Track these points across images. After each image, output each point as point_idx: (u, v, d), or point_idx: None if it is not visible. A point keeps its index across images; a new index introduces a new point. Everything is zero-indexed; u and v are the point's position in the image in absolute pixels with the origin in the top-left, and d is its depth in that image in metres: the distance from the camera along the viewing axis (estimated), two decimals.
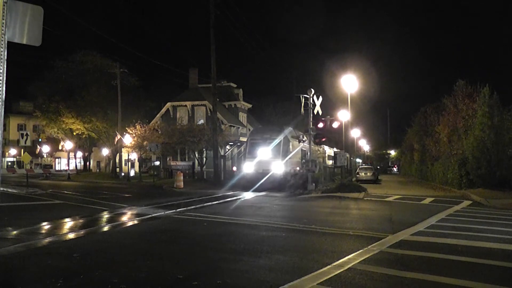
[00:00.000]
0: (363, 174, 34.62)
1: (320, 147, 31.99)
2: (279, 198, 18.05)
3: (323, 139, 22.98)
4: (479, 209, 14.07)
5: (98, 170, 57.62)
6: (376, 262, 6.12)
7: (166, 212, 12.22)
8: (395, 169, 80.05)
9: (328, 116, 22.24)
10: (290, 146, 24.19)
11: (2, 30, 4.24)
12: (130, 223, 10.46)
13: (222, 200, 16.66)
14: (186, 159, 36.13)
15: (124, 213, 12.36)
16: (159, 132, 34.19)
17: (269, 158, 23.30)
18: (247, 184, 22.65)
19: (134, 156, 41.28)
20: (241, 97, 45.58)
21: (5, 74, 4.25)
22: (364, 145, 77.26)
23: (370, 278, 5.25)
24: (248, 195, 19.27)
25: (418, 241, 7.92)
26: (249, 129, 41.30)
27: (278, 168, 22.75)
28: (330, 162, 37.53)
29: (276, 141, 23.74)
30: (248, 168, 23.71)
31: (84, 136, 44.39)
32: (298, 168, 24.28)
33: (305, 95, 20.72)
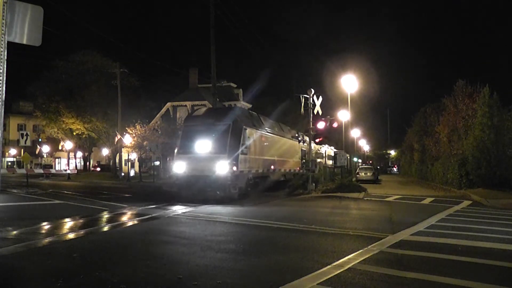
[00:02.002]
0: (363, 174, 34.63)
1: (320, 147, 31.86)
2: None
3: (323, 139, 23.02)
4: (479, 209, 14.08)
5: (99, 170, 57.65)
6: (376, 262, 6.12)
7: (165, 212, 12.23)
8: (395, 169, 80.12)
9: (328, 116, 22.23)
10: (244, 136, 16.56)
11: (2, 30, 4.24)
12: (130, 223, 10.45)
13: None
14: None
15: (124, 213, 12.36)
16: (159, 132, 34.20)
17: (210, 154, 15.93)
18: (177, 192, 16.38)
19: (134, 156, 41.31)
20: (241, 97, 45.60)
21: (5, 74, 4.25)
22: (364, 145, 77.27)
23: (370, 278, 5.25)
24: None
25: (418, 241, 7.92)
26: None
27: (222, 168, 15.39)
28: (330, 162, 37.53)
29: (221, 128, 16.37)
30: (179, 168, 16.33)
31: (84, 136, 44.42)
32: (261, 170, 18.64)
33: (305, 95, 20.71)
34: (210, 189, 15.32)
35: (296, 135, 24.21)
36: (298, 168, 25.24)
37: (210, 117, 17.45)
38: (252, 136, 17.62)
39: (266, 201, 16.09)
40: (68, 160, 54.55)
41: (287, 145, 23.77)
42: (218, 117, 17.18)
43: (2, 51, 4.22)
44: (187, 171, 16.08)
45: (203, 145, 16.19)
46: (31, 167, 47.84)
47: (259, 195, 17.92)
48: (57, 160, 61.32)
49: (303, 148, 26.08)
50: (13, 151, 53.63)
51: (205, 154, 16.00)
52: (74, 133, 43.56)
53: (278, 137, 22.25)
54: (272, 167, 20.53)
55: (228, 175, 15.37)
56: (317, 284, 5.01)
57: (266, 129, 20.09)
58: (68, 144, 45.48)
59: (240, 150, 16.02)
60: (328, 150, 40.02)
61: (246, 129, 16.87)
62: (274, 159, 21.08)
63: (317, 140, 21.66)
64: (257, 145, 18.35)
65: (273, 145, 21.13)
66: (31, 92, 44.49)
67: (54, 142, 50.96)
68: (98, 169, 55.89)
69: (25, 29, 4.51)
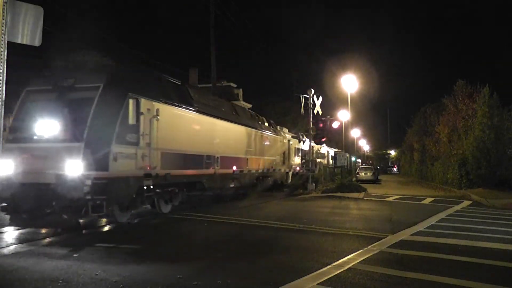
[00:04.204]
0: (363, 174, 34.64)
1: (320, 147, 31.71)
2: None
3: (323, 139, 23.00)
4: (479, 209, 14.08)
5: None
6: (376, 262, 6.12)
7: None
8: (395, 169, 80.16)
9: (328, 116, 22.26)
10: (131, 111, 9.46)
11: (2, 30, 4.25)
12: (130, 223, 10.43)
13: None
14: None
15: None
16: None
17: (53, 143, 8.79)
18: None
19: None
20: (241, 97, 45.56)
21: (5, 74, 4.25)
22: (364, 145, 77.33)
23: (370, 278, 5.25)
24: None
25: (418, 241, 7.92)
26: None
27: (71, 168, 8.31)
28: (330, 162, 37.52)
29: (82, 96, 9.29)
30: (3, 168, 8.46)
31: None
32: (183, 171, 11.59)
33: (305, 95, 20.73)
34: (51, 210, 8.45)
35: (275, 129, 21.36)
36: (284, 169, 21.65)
37: (68, 76, 9.85)
38: (156, 113, 10.12)
39: (266, 201, 16.08)
40: None
41: (255, 138, 17.81)
42: (82, 76, 9.76)
43: (2, 51, 4.23)
44: (16, 175, 8.52)
45: (48, 127, 8.86)
46: None
47: (259, 195, 17.52)
48: None
49: (303, 148, 26.01)
50: None
51: (46, 144, 8.78)
52: None
53: (231, 124, 15.30)
54: (216, 166, 13.62)
55: (84, 183, 8.20)
56: (317, 284, 5.01)
57: (196, 108, 12.59)
58: None
59: (116, 135, 8.88)
60: (328, 150, 40.02)
61: (137, 99, 9.53)
62: (225, 155, 14.31)
63: (317, 140, 21.64)
64: (174, 130, 11.23)
65: (219, 134, 14.10)
66: None
67: None
68: None
69: (25, 29, 4.52)
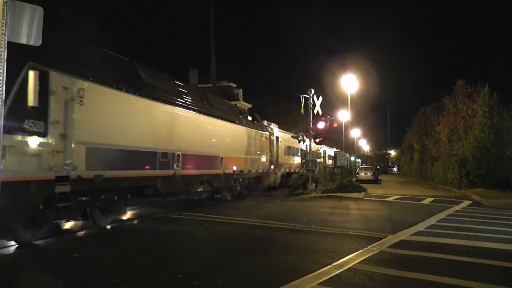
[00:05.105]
0: (363, 174, 34.67)
1: (320, 147, 31.66)
2: None
3: (323, 139, 22.94)
4: (479, 209, 14.09)
5: None
6: (376, 262, 6.12)
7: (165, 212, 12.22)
8: (395, 169, 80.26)
9: (328, 116, 22.22)
10: (28, 91, 6.72)
11: (2, 30, 4.25)
12: (130, 223, 10.44)
13: None
14: None
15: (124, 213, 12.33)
16: None
17: None
18: None
19: None
20: (241, 97, 45.58)
21: (5, 74, 4.25)
22: (364, 145, 77.37)
23: (370, 278, 5.25)
24: None
25: (418, 241, 7.92)
26: None
27: None
28: (330, 162, 37.52)
29: None
30: None
31: None
32: (85, 171, 8.02)
33: (305, 95, 20.71)
34: None
35: (261, 124, 19.47)
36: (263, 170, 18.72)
37: None
38: (78, 94, 7.84)
39: (265, 201, 16.08)
40: None
41: (234, 134, 15.63)
42: None
43: (2, 51, 4.22)
44: None
45: None
46: None
47: (258, 195, 17.18)
48: None
49: (303, 148, 25.96)
50: None
51: None
52: None
53: (199, 115, 12.87)
54: (177, 167, 11.30)
55: None
56: (317, 284, 5.01)
57: (148, 92, 10.20)
58: None
59: (5, 120, 5.14)
60: (328, 150, 40.03)
61: (42, 71, 7.06)
62: (190, 152, 12.04)
63: (317, 140, 21.64)
64: (109, 119, 8.82)
65: (183, 127, 11.78)
66: None
67: None
68: None
69: (25, 29, 4.51)
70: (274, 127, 22.18)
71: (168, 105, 11.11)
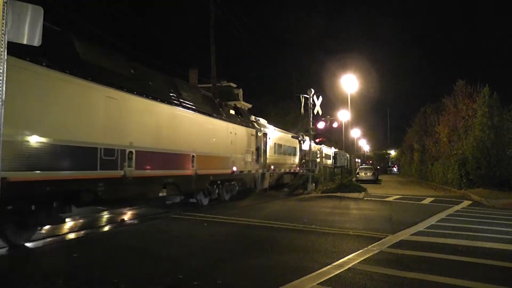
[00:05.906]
0: (363, 174, 34.68)
1: (320, 147, 31.61)
2: None
3: (323, 139, 22.94)
4: (479, 209, 14.09)
5: None
6: (376, 262, 6.12)
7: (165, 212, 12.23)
8: (395, 169, 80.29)
9: (328, 116, 22.24)
10: None
11: (2, 30, 4.24)
12: (130, 223, 10.45)
13: None
14: None
15: (124, 213, 12.35)
16: None
17: None
18: None
19: None
20: (241, 97, 45.61)
21: (5, 74, 4.24)
22: (364, 145, 77.36)
23: (370, 278, 5.25)
24: None
25: (418, 241, 7.92)
26: None
27: None
28: (330, 162, 37.50)
29: None
30: None
31: None
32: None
33: (305, 95, 20.71)
34: None
35: (246, 118, 17.91)
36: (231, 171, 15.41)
37: None
38: None
39: (266, 201, 16.08)
40: None
41: (210, 129, 13.72)
42: None
43: (2, 51, 4.22)
44: None
45: None
46: None
47: (258, 195, 17.25)
48: None
49: (302, 147, 25.95)
50: None
51: None
52: None
53: (163, 105, 11.02)
54: (129, 167, 9.37)
55: None
56: (317, 284, 5.01)
57: (85, 71, 8.30)
58: None
59: None
60: (328, 150, 40.01)
61: None
62: (149, 149, 10.14)
63: (317, 140, 21.64)
64: (19, 103, 6.70)
65: (138, 119, 9.91)
66: None
67: None
68: None
69: (25, 29, 4.51)
70: (264, 122, 20.48)
71: (115, 89, 9.00)
